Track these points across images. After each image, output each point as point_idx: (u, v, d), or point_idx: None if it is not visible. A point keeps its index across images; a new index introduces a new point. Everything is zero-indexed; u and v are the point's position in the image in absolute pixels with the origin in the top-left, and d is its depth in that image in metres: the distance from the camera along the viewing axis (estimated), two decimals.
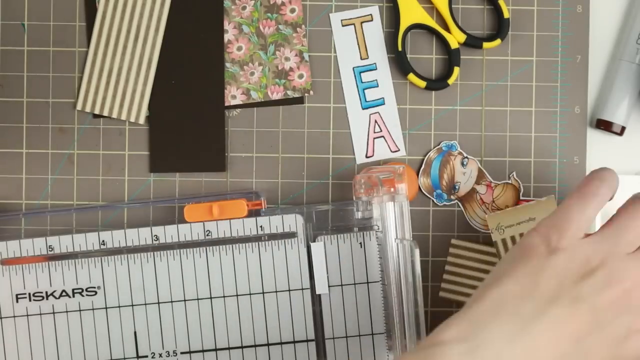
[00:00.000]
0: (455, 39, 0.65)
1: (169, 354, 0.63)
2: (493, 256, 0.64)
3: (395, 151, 0.66)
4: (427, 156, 0.66)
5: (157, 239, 0.63)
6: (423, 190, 0.65)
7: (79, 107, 0.66)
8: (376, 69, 0.66)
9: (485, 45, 0.65)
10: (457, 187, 0.66)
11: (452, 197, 0.66)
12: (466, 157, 0.66)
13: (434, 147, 0.66)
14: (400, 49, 0.65)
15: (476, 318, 0.48)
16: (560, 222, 0.51)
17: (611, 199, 0.54)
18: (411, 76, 0.65)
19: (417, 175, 0.65)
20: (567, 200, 0.52)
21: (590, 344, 0.48)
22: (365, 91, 0.66)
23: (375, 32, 0.66)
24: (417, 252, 0.58)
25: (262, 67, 0.66)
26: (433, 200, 0.65)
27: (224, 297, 0.63)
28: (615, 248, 0.50)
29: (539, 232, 0.51)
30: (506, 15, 0.65)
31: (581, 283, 0.49)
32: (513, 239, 0.62)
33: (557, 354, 0.48)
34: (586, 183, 0.52)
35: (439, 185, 0.66)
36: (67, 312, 0.63)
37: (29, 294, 0.63)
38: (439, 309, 0.66)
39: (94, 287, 0.63)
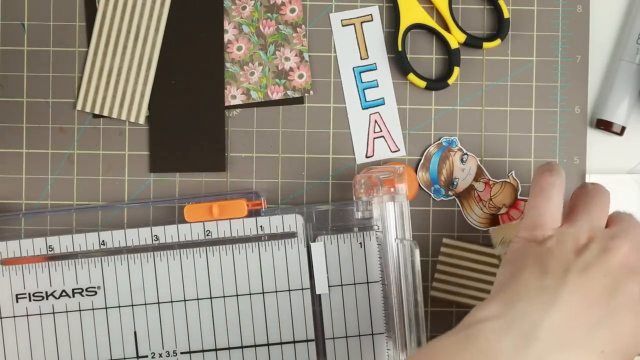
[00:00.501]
0: (455, 39, 0.65)
1: (169, 354, 0.63)
2: (485, 256, 0.64)
3: (395, 151, 0.66)
4: (426, 151, 0.66)
5: (157, 239, 0.63)
6: (421, 185, 0.65)
7: (79, 107, 0.66)
8: (376, 69, 0.66)
9: (485, 45, 0.65)
10: (455, 183, 0.66)
11: (449, 192, 0.66)
12: (466, 154, 0.66)
13: (434, 142, 0.66)
14: (400, 49, 0.65)
15: (506, 299, 0.51)
16: (535, 219, 0.54)
17: None
18: (411, 76, 0.65)
19: (416, 169, 0.65)
20: (530, 200, 0.55)
21: (616, 306, 0.51)
22: (365, 91, 0.66)
23: (375, 32, 0.66)
24: (417, 252, 0.58)
25: (262, 67, 0.66)
26: (430, 195, 0.65)
27: (224, 297, 0.63)
28: (593, 225, 0.54)
29: (522, 237, 0.55)
30: (506, 15, 0.65)
31: (582, 255, 0.52)
32: None
33: (592, 321, 0.50)
34: (539, 178, 0.56)
35: (437, 180, 0.66)
36: (67, 312, 0.63)
37: (29, 294, 0.63)
38: (437, 309, 0.66)
39: (94, 287, 0.63)
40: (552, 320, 0.49)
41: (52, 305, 0.63)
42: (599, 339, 0.50)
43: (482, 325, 0.50)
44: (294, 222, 0.63)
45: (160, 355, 0.63)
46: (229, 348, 0.63)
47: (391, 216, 0.61)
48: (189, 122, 0.65)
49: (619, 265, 0.52)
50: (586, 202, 0.55)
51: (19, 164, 0.66)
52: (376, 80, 0.66)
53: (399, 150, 0.66)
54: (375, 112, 0.66)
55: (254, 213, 0.63)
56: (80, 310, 0.63)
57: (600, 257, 0.52)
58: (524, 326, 0.49)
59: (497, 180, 0.66)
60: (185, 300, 0.63)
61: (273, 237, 0.63)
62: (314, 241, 0.63)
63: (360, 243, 0.63)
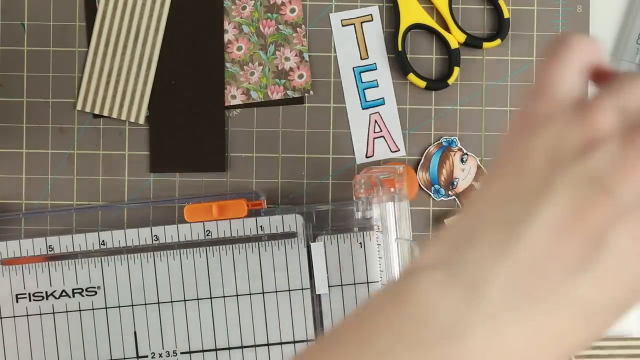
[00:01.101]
0: (455, 39, 0.65)
1: (169, 354, 0.63)
2: None
3: (395, 151, 0.66)
4: (426, 151, 0.66)
5: (157, 239, 0.63)
6: (421, 185, 0.65)
7: (79, 107, 0.66)
8: (376, 69, 0.66)
9: (485, 45, 0.65)
10: (455, 183, 0.66)
11: (449, 192, 0.66)
12: (466, 154, 0.66)
13: (434, 142, 0.66)
14: (400, 49, 0.65)
15: (456, 237, 0.35)
16: (538, 85, 0.36)
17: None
18: (411, 76, 0.65)
19: (416, 169, 0.65)
20: (543, 62, 0.36)
21: (618, 249, 0.33)
22: (365, 91, 0.66)
23: (375, 32, 0.66)
24: (417, 252, 0.58)
25: (262, 67, 0.66)
26: (430, 195, 0.65)
27: (224, 297, 0.63)
28: (627, 102, 0.34)
29: (520, 113, 0.37)
30: (506, 15, 0.65)
31: (589, 155, 0.33)
32: None
33: (570, 265, 0.33)
34: (561, 36, 0.36)
35: (437, 180, 0.66)
36: (67, 312, 0.63)
37: (29, 294, 0.63)
38: None
39: (94, 287, 0.63)
40: (507, 267, 0.33)
41: (52, 305, 0.63)
42: (579, 290, 0.33)
43: (420, 277, 0.34)
44: (294, 222, 0.63)
45: (160, 355, 0.63)
46: (229, 348, 0.63)
47: (391, 216, 0.61)
48: (189, 122, 0.65)
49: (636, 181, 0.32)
50: (630, 77, 0.35)
51: (19, 164, 0.66)
52: (376, 80, 0.66)
53: (399, 150, 0.66)
54: (375, 112, 0.66)
55: (254, 213, 0.63)
56: (80, 310, 0.63)
57: (616, 162, 0.33)
58: (471, 277, 0.34)
59: None
60: (185, 300, 0.63)
61: (273, 237, 0.63)
62: (314, 241, 0.63)
63: (360, 243, 0.63)
